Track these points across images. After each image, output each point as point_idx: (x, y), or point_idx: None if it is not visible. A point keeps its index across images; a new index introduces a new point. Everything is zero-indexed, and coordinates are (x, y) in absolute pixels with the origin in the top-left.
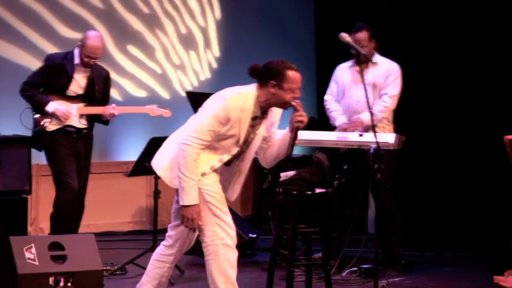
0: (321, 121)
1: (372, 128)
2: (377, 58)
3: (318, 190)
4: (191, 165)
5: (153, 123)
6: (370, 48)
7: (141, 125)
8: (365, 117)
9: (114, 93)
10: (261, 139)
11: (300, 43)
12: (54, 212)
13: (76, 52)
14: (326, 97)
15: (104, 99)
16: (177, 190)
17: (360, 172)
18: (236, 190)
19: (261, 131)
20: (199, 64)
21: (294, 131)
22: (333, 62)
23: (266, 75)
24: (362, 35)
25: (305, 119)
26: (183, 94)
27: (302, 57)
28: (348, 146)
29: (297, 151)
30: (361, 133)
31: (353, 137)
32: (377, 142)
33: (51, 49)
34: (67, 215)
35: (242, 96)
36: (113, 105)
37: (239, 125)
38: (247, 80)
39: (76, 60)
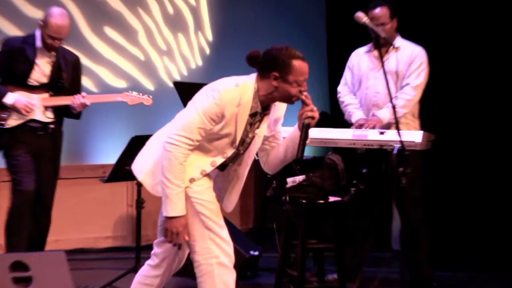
0: (334, 116)
1: (395, 125)
2: (399, 41)
3: (331, 199)
4: (177, 168)
5: (134, 119)
6: (391, 28)
7: (121, 121)
8: (383, 114)
9: (88, 83)
10: (263, 139)
11: (308, 25)
12: (5, 221)
13: (38, 33)
14: (339, 88)
15: (74, 89)
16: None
17: (382, 177)
18: (233, 199)
19: (262, 130)
20: (189, 50)
21: (304, 129)
22: (347, 48)
23: (267, 66)
24: (382, 11)
25: (316, 114)
26: (170, 84)
27: (312, 42)
28: (367, 146)
29: (306, 152)
30: (382, 130)
31: (372, 135)
32: (401, 142)
33: (14, 31)
34: (18, 225)
35: (240, 89)
36: (83, 93)
37: (235, 122)
38: (246, 69)
39: (38, 43)
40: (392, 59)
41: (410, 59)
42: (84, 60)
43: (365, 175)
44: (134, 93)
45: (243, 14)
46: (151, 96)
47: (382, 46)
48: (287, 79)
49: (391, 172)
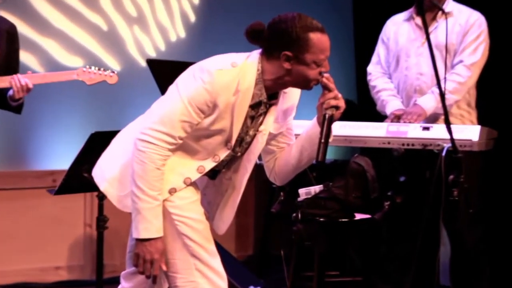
0: (362, 106)
1: (444, 117)
2: (451, 5)
3: (358, 216)
4: (153, 175)
5: (95, 109)
6: None
7: (76, 113)
8: (428, 103)
9: (31, 61)
10: (268, 138)
11: None
12: None
13: None
14: (370, 68)
15: (9, 67)
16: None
17: (426, 188)
18: (226, 217)
19: (267, 125)
20: (167, 17)
21: (327, 123)
22: (379, 16)
23: (275, 43)
24: None
25: (341, 103)
26: (143, 63)
27: (333, 7)
28: (407, 146)
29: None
30: (426, 125)
31: (413, 131)
32: (452, 140)
33: None
34: None
35: (237, 70)
36: (28, 72)
37: (230, 115)
38: (245, 44)
39: None
40: (441, 29)
41: (464, 28)
42: (26, 30)
43: (403, 185)
44: (93, 69)
45: None
46: (115, 72)
47: (427, 11)
48: (303, 59)
49: (439, 181)
